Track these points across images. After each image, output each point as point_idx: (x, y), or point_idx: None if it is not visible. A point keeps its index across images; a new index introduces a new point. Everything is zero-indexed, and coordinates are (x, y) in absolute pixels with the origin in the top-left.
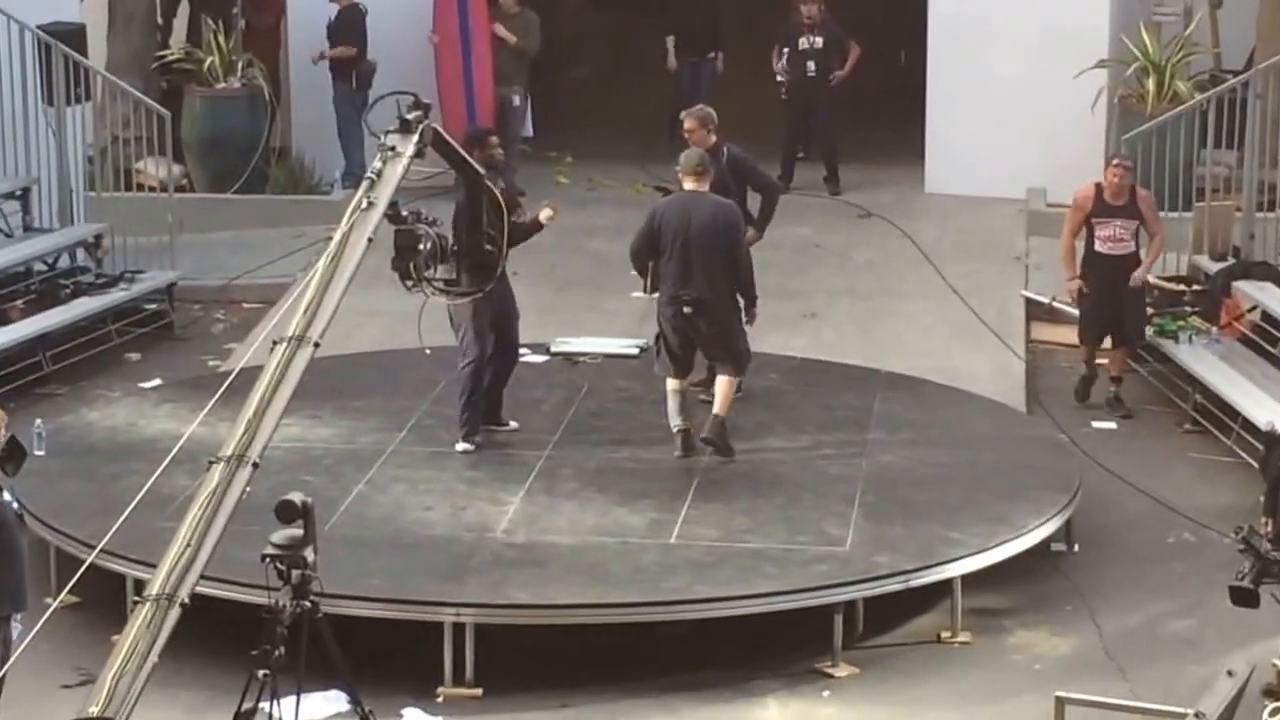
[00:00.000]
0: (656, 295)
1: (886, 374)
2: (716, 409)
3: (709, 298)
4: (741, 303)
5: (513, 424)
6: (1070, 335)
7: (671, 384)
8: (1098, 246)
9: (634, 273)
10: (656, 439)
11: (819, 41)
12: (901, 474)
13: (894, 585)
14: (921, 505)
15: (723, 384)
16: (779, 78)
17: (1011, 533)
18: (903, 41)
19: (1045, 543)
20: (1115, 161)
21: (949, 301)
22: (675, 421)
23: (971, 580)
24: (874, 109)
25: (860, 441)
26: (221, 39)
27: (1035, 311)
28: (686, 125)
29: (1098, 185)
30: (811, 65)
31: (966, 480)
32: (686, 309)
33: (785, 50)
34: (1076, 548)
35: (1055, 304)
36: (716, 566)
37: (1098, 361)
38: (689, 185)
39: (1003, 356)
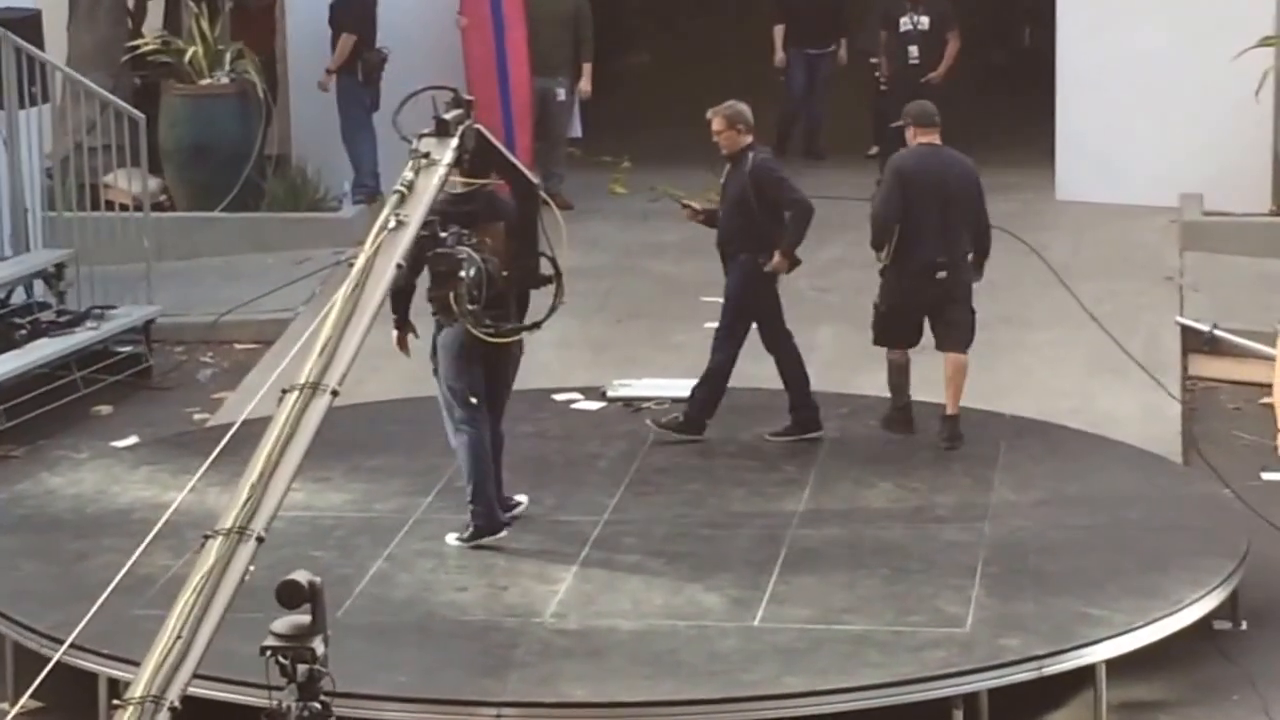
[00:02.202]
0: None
1: (1012, 418)
2: (952, 409)
3: (961, 262)
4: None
5: (520, 499)
6: (1237, 370)
7: (894, 354)
8: None
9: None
10: (736, 499)
11: (924, 21)
12: (1032, 539)
13: (1025, 673)
14: (1056, 577)
15: (957, 367)
16: (877, 72)
17: (1165, 608)
18: (1027, 17)
19: (1206, 620)
20: None
21: (1086, 330)
22: (899, 398)
23: (1118, 666)
24: (993, 100)
25: (981, 501)
26: (206, 25)
27: (1192, 342)
28: (713, 126)
29: None
30: (915, 50)
31: (1110, 546)
32: (941, 274)
33: (883, 32)
34: (1244, 625)
35: (1217, 332)
36: (810, 653)
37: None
38: (924, 139)
39: (1153, 396)
